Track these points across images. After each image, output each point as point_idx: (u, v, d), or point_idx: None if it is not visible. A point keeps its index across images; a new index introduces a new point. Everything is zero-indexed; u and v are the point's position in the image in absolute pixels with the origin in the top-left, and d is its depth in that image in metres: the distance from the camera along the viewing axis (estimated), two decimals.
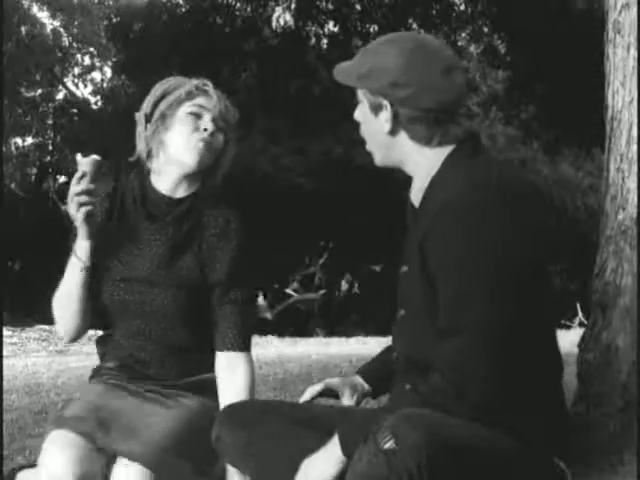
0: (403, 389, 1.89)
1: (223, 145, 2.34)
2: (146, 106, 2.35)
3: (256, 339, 7.67)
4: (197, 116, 2.30)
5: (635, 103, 2.37)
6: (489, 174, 1.81)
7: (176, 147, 2.30)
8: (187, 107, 2.30)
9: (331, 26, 16.12)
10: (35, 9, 20.35)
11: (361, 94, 1.88)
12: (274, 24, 16.29)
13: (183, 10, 16.92)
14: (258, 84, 16.04)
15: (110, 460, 2.11)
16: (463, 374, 1.69)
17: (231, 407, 2.07)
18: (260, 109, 15.21)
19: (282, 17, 16.31)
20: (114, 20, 17.81)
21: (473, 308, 1.70)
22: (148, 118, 2.34)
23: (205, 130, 2.28)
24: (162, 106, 2.32)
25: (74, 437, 2.09)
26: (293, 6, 15.99)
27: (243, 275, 2.31)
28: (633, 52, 2.39)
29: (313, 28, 16.13)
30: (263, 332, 10.24)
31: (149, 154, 2.35)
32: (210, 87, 2.33)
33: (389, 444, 1.59)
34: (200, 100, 2.31)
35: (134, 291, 2.31)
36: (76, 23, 20.59)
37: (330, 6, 15.85)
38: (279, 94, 15.52)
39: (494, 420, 1.71)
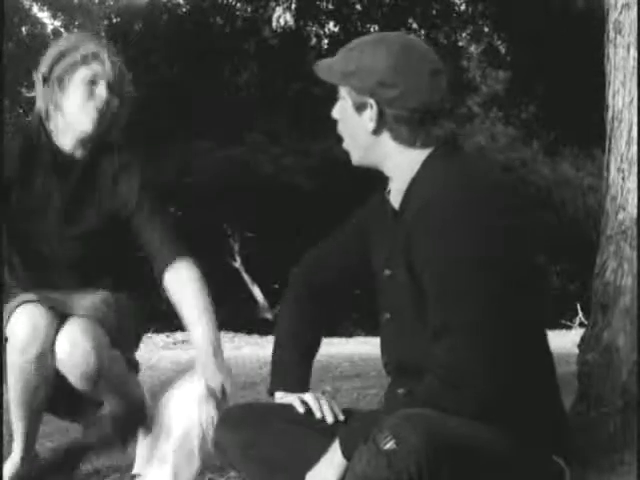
0: (396, 393, 1.89)
1: (119, 106, 2.47)
2: (43, 66, 2.46)
3: (256, 339, 7.67)
4: (92, 82, 2.41)
5: (635, 103, 2.37)
6: (469, 172, 1.82)
7: (72, 113, 2.43)
8: (82, 73, 2.41)
9: (331, 26, 16.12)
10: (35, 9, 20.36)
11: (344, 92, 1.88)
12: (274, 24, 16.29)
13: (183, 10, 16.91)
14: (258, 84, 16.03)
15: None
16: (456, 372, 1.69)
17: (231, 409, 2.07)
18: (260, 109, 15.21)
19: (282, 17, 16.31)
20: (114, 20, 17.80)
21: (462, 306, 1.70)
22: (45, 78, 2.44)
23: (100, 97, 2.41)
24: (58, 69, 2.43)
25: (35, 305, 2.32)
26: (293, 6, 15.98)
27: (153, 198, 2.50)
28: (633, 52, 2.39)
29: (313, 28, 16.12)
30: (263, 332, 10.23)
31: (47, 114, 2.46)
32: (104, 53, 2.43)
33: (389, 445, 1.59)
34: (95, 66, 2.42)
35: (41, 242, 2.49)
36: (76, 23, 20.59)
37: (330, 6, 15.84)
38: (279, 94, 15.51)
39: (491, 418, 1.71)
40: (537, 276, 1.86)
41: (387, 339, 1.95)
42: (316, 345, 2.13)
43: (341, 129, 1.92)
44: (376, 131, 1.86)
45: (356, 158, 1.92)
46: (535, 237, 1.87)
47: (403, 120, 1.83)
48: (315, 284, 2.10)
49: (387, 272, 1.90)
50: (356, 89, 1.85)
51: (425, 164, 1.85)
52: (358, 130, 1.88)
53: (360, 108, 1.86)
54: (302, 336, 2.10)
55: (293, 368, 2.08)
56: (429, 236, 1.73)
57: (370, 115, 1.85)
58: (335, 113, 1.91)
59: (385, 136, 1.86)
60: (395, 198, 1.91)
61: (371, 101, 1.84)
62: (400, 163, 1.87)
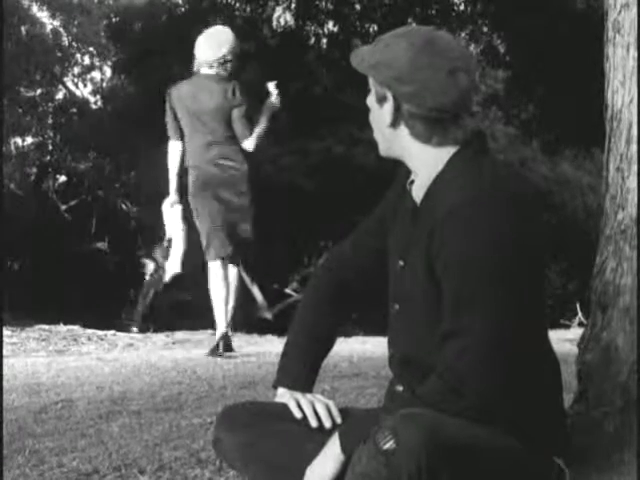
0: (396, 391, 1.89)
1: None
2: None
3: (256, 339, 7.65)
4: None
5: (635, 103, 2.37)
6: (495, 176, 1.82)
7: None
8: None
9: (331, 26, 16.10)
10: (35, 9, 20.32)
11: (371, 82, 1.90)
12: (274, 24, 16.27)
13: (183, 10, 16.89)
14: (258, 84, 16.02)
15: None
16: (463, 377, 1.69)
17: (230, 409, 2.06)
18: (260, 109, 15.18)
19: (282, 17, 16.29)
20: (114, 20, 17.78)
21: (478, 311, 1.70)
22: None
23: None
24: None
25: None
26: (293, 6, 15.97)
27: None
28: (633, 52, 2.38)
29: (313, 28, 16.11)
30: (263, 332, 10.22)
31: None
32: None
33: (389, 444, 1.59)
34: None
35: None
36: (76, 23, 20.54)
37: (330, 6, 15.83)
38: (279, 94, 15.49)
39: (493, 420, 1.71)
40: (543, 281, 1.87)
41: (394, 331, 1.95)
42: (329, 344, 2.12)
43: (370, 119, 1.93)
44: (393, 125, 1.87)
45: (381, 149, 1.93)
46: (547, 244, 1.88)
47: (418, 117, 1.84)
48: (338, 282, 2.09)
49: (401, 263, 1.90)
50: (377, 81, 1.87)
51: (450, 163, 1.84)
52: (380, 122, 1.89)
53: (381, 100, 1.87)
54: (316, 335, 2.09)
55: (300, 367, 2.07)
56: (452, 240, 1.74)
57: (388, 108, 1.86)
58: (368, 102, 1.93)
59: (403, 131, 1.87)
60: (417, 192, 1.91)
61: (389, 95, 1.85)
62: (422, 159, 1.87)
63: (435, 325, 1.77)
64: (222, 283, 5.26)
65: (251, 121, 5.37)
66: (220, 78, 5.33)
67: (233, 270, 5.41)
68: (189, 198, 5.37)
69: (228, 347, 5.28)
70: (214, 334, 5.81)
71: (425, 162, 1.87)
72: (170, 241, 5.48)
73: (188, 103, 5.29)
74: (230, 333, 5.42)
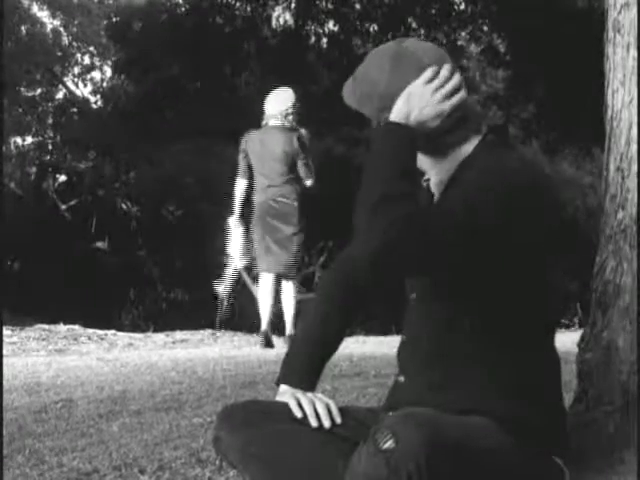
0: (398, 380, 1.90)
1: None
2: None
3: (256, 338, 7.67)
4: None
5: (635, 103, 2.37)
6: (518, 166, 1.83)
7: None
8: None
9: (331, 25, 16.12)
10: (35, 8, 20.34)
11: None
12: (273, 23, 16.28)
13: (183, 10, 16.91)
14: (258, 84, 16.02)
15: None
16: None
17: (231, 408, 2.06)
18: (260, 109, 15.19)
19: (281, 16, 16.30)
20: (114, 19, 17.79)
21: (477, 295, 1.72)
22: None
23: None
24: None
25: None
26: (292, 5, 15.98)
27: None
28: (633, 52, 2.38)
29: (313, 27, 16.12)
30: None
31: None
32: None
33: (388, 444, 1.59)
34: None
35: None
36: (76, 22, 20.57)
37: (329, 5, 15.84)
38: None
39: (490, 409, 1.71)
40: (549, 275, 1.87)
41: (409, 320, 1.96)
42: (335, 346, 2.12)
43: None
44: None
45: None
46: (560, 236, 1.88)
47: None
48: (347, 283, 2.09)
49: None
50: (366, 114, 1.92)
51: (474, 156, 1.86)
52: None
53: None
54: (323, 336, 2.10)
55: (304, 366, 2.08)
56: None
57: None
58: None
59: None
60: (436, 187, 1.93)
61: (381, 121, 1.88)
62: (431, 165, 1.91)
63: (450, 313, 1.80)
64: (266, 291, 6.42)
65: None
66: (285, 128, 6.49)
67: (287, 284, 6.47)
68: (251, 226, 6.57)
69: (268, 343, 6.31)
70: (213, 334, 6.07)
71: (435, 166, 1.91)
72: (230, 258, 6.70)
73: (258, 149, 6.48)
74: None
